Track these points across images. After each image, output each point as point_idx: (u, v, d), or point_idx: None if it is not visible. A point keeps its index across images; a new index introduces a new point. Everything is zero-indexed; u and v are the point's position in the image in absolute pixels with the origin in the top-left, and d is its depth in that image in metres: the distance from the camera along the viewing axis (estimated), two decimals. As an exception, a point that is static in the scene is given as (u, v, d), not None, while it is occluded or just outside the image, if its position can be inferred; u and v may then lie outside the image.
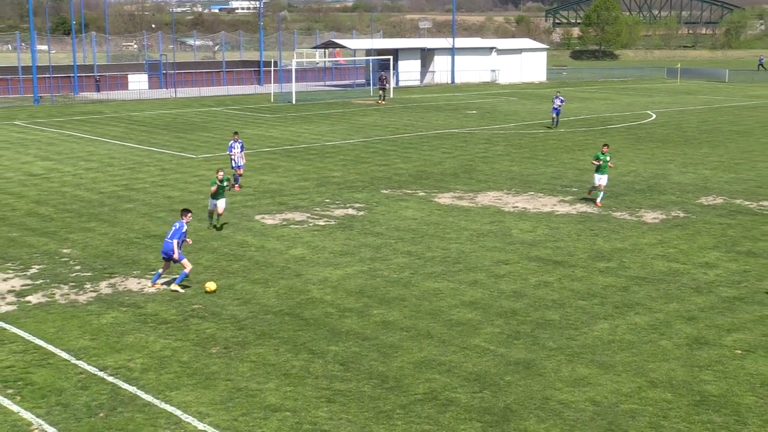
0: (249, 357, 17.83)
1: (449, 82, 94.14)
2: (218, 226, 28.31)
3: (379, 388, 16.38)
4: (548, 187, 36.17)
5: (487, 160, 42.99)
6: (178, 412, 15.28)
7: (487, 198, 33.84)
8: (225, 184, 27.72)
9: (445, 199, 33.63)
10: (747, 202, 33.33)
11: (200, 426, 14.77)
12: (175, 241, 22.00)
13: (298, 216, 30.50)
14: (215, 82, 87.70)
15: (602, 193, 32.46)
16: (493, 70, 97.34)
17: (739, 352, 18.34)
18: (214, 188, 27.58)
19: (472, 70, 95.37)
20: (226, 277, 23.31)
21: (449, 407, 15.60)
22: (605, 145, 33.14)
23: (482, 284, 22.82)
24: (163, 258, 22.51)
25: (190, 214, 22.97)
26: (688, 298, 21.81)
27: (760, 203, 33.20)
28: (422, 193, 34.58)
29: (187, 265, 22.23)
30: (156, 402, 15.70)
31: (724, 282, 23.22)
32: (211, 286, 21.88)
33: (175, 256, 22.04)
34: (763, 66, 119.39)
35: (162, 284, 22.48)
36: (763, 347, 18.58)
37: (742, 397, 16.13)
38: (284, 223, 29.43)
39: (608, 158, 32.47)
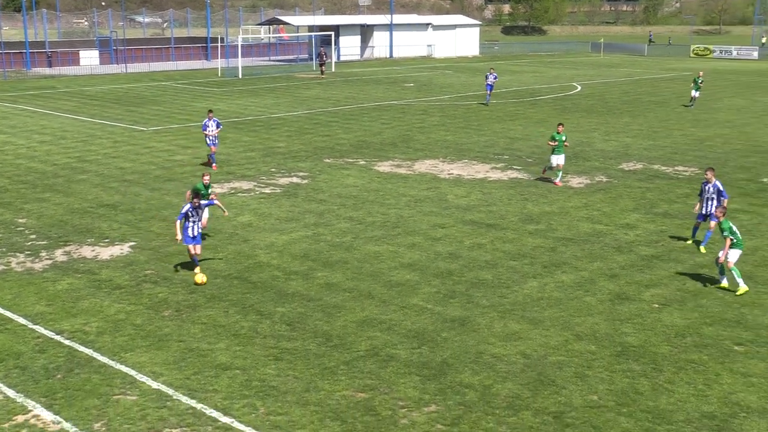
0: (200, 319, 17.73)
1: (388, 56, 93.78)
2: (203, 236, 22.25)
3: (323, 346, 16.41)
4: (481, 155, 36.33)
5: (424, 130, 43.01)
6: (132, 373, 15.17)
7: (423, 166, 33.90)
8: (210, 191, 22.96)
9: (384, 167, 33.61)
10: (664, 168, 33.83)
11: (154, 385, 14.68)
12: (177, 222, 20.58)
13: (245, 185, 30.28)
14: (164, 57, 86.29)
15: (560, 172, 30.74)
16: (429, 45, 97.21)
17: (656, 305, 18.69)
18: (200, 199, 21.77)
19: (409, 45, 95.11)
20: (176, 243, 23.07)
21: (390, 362, 15.69)
22: (560, 124, 30.74)
23: (420, 247, 22.91)
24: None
25: (196, 200, 20.40)
26: (611, 257, 22.13)
27: (676, 168, 33.73)
28: (363, 162, 34.52)
29: (192, 250, 20.63)
30: (111, 363, 15.56)
31: (643, 241, 23.59)
32: (201, 278, 19.82)
33: (177, 237, 20.70)
34: (652, 41, 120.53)
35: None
36: (678, 301, 18.96)
37: (658, 347, 16.46)
38: (232, 191, 29.20)
39: (564, 138, 30.11)
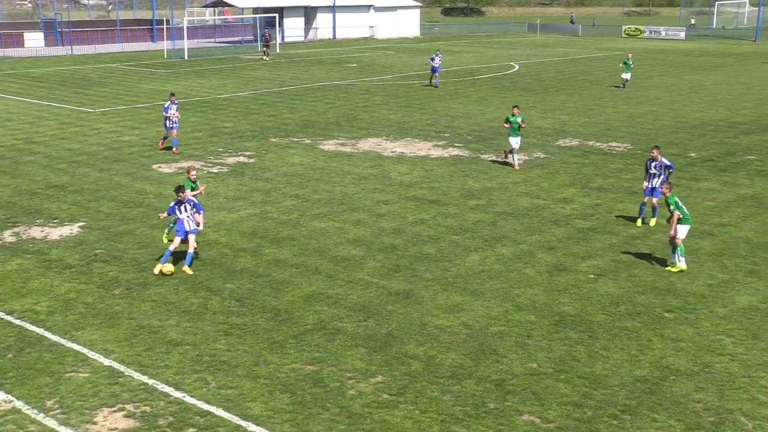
0: (150, 297, 17.54)
1: (331, 37, 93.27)
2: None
3: (272, 320, 16.36)
4: (423, 133, 36.38)
5: (367, 109, 42.93)
6: (84, 350, 14.97)
7: (367, 144, 33.86)
8: (197, 186, 20.99)
9: (329, 145, 33.50)
10: (598, 143, 34.23)
11: (106, 362, 14.51)
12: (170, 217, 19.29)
13: (193, 164, 29.96)
14: (110, 39, 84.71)
15: (516, 155, 29.65)
16: (371, 26, 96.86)
17: (592, 276, 18.95)
18: (189, 192, 19.87)
19: (351, 26, 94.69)
20: (126, 223, 22.79)
21: (337, 335, 15.71)
22: (515, 106, 29.73)
23: (365, 223, 22.91)
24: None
25: (182, 194, 19.01)
26: (549, 230, 22.37)
27: (609, 144, 34.14)
28: (308, 141, 34.36)
29: (173, 244, 19.18)
30: (63, 342, 15.33)
31: (579, 215, 23.88)
32: (167, 268, 18.72)
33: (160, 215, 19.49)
34: (573, 22, 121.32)
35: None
36: (612, 271, 19.24)
37: (594, 316, 16.72)
38: (180, 171, 28.85)
39: (520, 119, 28.86)
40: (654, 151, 22.64)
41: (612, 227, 22.68)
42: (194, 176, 21.08)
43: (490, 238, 21.61)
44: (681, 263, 19.21)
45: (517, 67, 65.00)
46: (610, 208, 24.62)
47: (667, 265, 19.55)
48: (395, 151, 32.41)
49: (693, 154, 31.99)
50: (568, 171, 29.24)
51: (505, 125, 29.44)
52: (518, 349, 15.17)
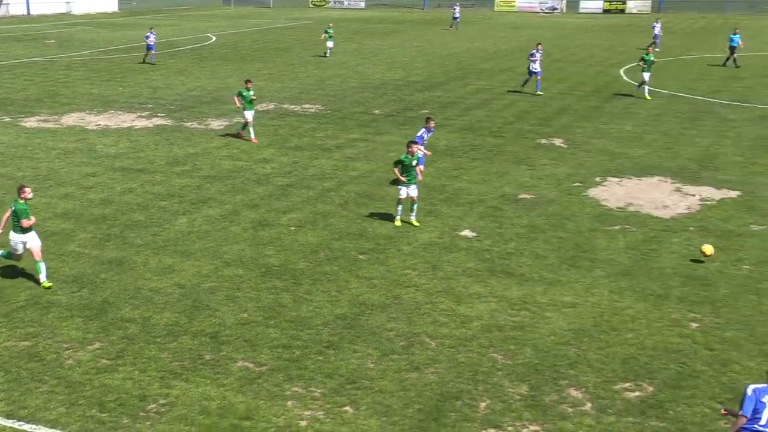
0: None
1: (25, 13, 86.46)
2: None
3: (-19, 301, 15.15)
4: (127, 105, 34.94)
5: (69, 84, 40.44)
6: None
7: (71, 119, 31.96)
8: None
9: (30, 122, 31.24)
10: (292, 106, 34.69)
11: None
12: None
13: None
14: None
15: (251, 128, 28.01)
16: (68, 2, 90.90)
17: (293, 228, 19.32)
18: (30, 221, 15.88)
19: (47, 1, 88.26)
20: None
21: (51, 309, 14.86)
22: (248, 80, 28.34)
23: (73, 197, 21.72)
24: None
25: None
26: (251, 190, 22.44)
27: (303, 106, 34.73)
28: (8, 119, 31.81)
29: None
30: None
31: (279, 173, 24.16)
32: (708, 249, 17.00)
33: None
34: None
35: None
36: (311, 222, 19.73)
37: (296, 264, 17.09)
38: None
39: (252, 93, 27.66)
40: (431, 122, 22.71)
41: (309, 182, 23.19)
42: (29, 195, 16.07)
43: (197, 201, 21.32)
44: (397, 218, 19.45)
45: (214, 38, 64.01)
46: (306, 165, 25.13)
47: (395, 220, 19.59)
48: (100, 124, 30.89)
49: (377, 111, 33.36)
50: (266, 133, 29.40)
51: (237, 99, 27.80)
52: (229, 302, 15.20)
